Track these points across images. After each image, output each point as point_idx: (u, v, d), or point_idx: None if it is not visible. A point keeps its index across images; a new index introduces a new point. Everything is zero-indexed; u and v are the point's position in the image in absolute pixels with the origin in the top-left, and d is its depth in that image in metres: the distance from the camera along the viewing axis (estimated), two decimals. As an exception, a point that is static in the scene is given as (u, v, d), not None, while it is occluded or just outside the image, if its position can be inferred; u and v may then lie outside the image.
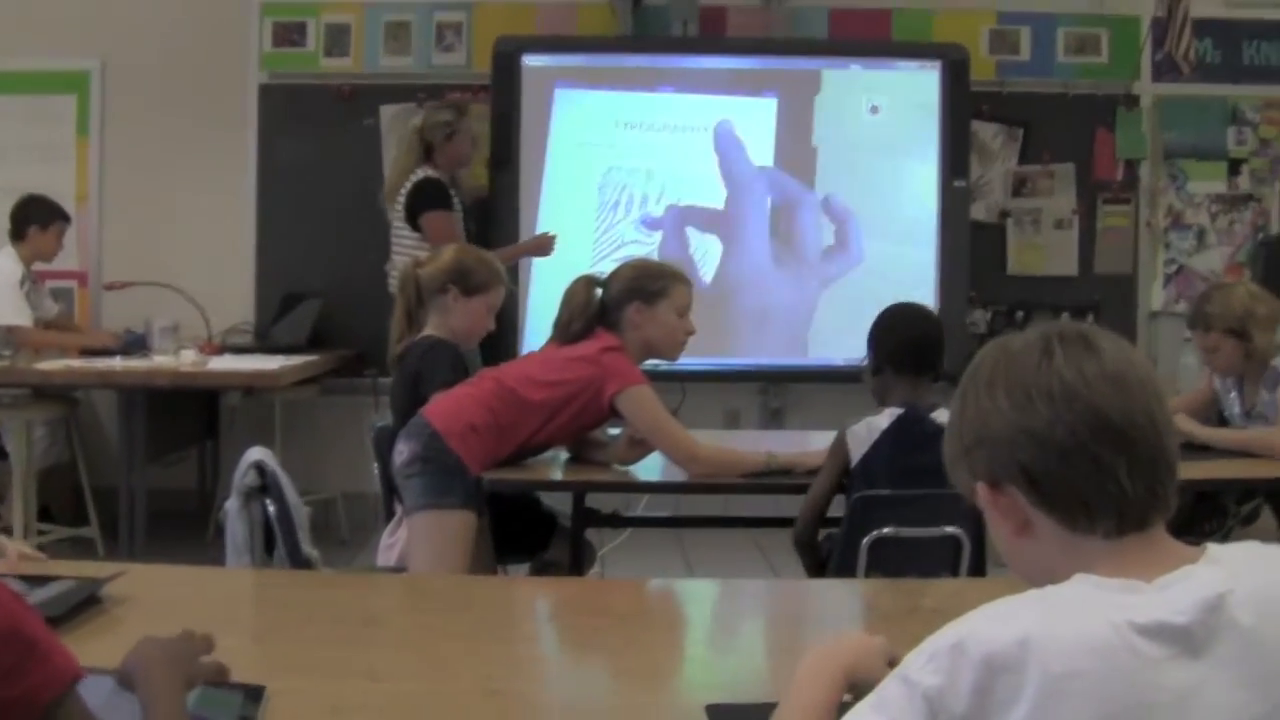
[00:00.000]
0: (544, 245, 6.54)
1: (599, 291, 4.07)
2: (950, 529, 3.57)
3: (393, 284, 6.11)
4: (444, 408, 3.88)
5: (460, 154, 6.55)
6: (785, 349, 7.19)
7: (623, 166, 7.11)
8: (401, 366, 4.19)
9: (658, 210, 7.08)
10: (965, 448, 1.50)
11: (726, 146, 7.11)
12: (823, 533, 3.82)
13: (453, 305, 4.17)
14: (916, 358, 3.76)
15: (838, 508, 3.74)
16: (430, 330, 4.18)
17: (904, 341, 3.79)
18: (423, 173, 6.35)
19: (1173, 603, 1.32)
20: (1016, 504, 1.45)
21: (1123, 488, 1.39)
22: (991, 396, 1.46)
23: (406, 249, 6.22)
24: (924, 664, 1.33)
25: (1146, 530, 1.41)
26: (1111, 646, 1.29)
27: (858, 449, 3.65)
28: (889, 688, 1.36)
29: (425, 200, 6.29)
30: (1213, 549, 1.41)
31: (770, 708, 1.87)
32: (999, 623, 1.32)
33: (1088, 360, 1.42)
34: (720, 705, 1.87)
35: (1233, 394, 4.70)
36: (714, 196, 7.10)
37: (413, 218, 6.28)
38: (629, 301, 4.00)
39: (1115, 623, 1.30)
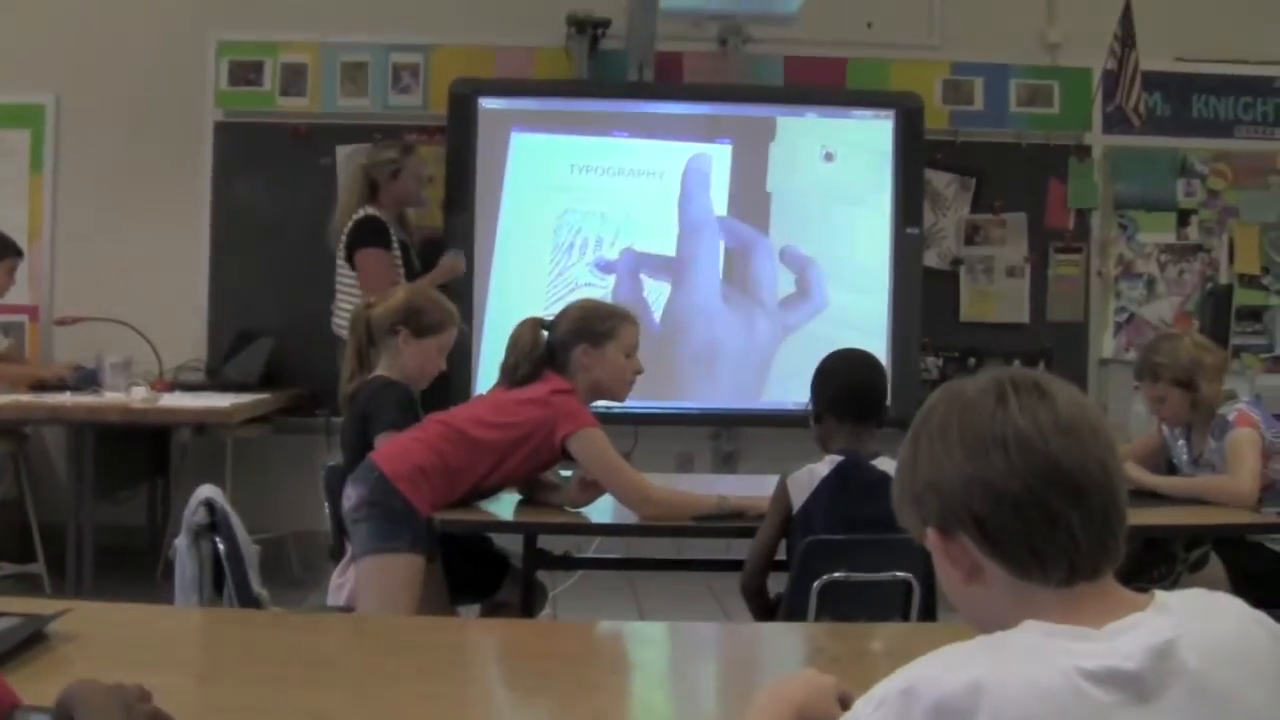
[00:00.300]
0: (455, 266, 6.49)
1: (545, 334, 4.07)
2: (900, 573, 3.57)
3: (336, 324, 6.16)
4: (391, 451, 3.87)
5: (405, 192, 6.56)
6: (738, 393, 7.20)
7: (577, 209, 7.12)
8: (351, 407, 4.17)
9: (612, 253, 7.09)
10: (915, 494, 1.49)
11: (694, 183, 7.13)
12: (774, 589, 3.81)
13: (403, 346, 4.15)
14: (858, 405, 3.75)
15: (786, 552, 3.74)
16: (381, 371, 4.17)
17: (843, 388, 3.78)
18: (364, 211, 6.36)
19: (1122, 649, 1.32)
20: (967, 551, 1.44)
21: (1075, 539, 1.39)
22: (945, 443, 1.45)
23: (346, 288, 6.27)
24: (874, 710, 1.33)
25: (1096, 579, 1.41)
26: (1061, 692, 1.28)
27: (799, 496, 3.64)
28: None
29: (361, 238, 6.30)
30: (1161, 596, 1.41)
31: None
32: (949, 668, 1.32)
33: (1042, 409, 1.42)
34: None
35: (1180, 442, 4.75)
36: (667, 239, 7.11)
37: (350, 256, 6.30)
38: (576, 343, 4.00)
39: (1065, 669, 1.30)
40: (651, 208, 7.15)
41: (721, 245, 7.14)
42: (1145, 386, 4.71)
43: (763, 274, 7.15)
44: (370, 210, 6.37)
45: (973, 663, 1.31)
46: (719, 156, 7.14)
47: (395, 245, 6.39)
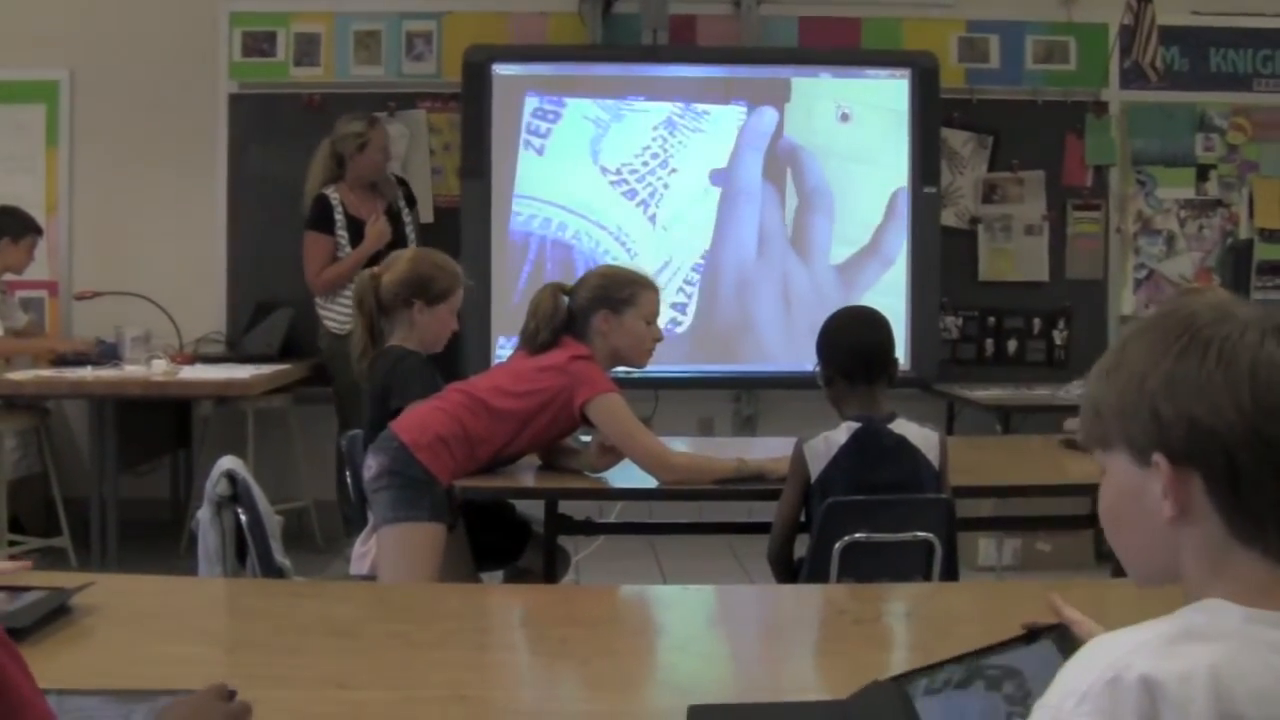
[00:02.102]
0: (381, 234, 6.61)
1: (566, 300, 4.07)
2: (921, 533, 3.58)
3: (325, 311, 6.54)
4: (411, 421, 3.88)
5: (371, 165, 6.71)
6: (760, 356, 7.20)
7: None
8: (370, 379, 4.17)
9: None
10: (1157, 413, 1.31)
11: (749, 139, 7.13)
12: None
13: (418, 317, 4.15)
14: (866, 367, 3.72)
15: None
16: (397, 341, 4.17)
17: (849, 351, 3.75)
18: (321, 191, 6.65)
19: None
20: (1189, 489, 1.30)
21: None
22: (1226, 378, 1.27)
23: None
24: (1077, 704, 1.21)
25: None
26: (1274, 690, 1.20)
27: (816, 465, 3.62)
28: None
29: (309, 219, 6.66)
30: None
31: (752, 708, 1.89)
32: (1160, 655, 1.21)
33: None
34: (702, 706, 1.87)
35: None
36: (683, 199, 7.10)
37: None
38: (596, 310, 4.01)
39: (1273, 665, 1.21)
40: (658, 176, 7.14)
41: (758, 206, 7.12)
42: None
43: (819, 233, 7.15)
44: (325, 190, 6.64)
45: (1182, 652, 1.21)
46: (733, 119, 7.11)
47: (341, 226, 6.61)
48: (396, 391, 4.03)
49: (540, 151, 7.05)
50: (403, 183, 7.00)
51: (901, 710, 1.72)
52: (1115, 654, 1.22)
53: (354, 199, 6.67)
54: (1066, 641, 1.62)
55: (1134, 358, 1.35)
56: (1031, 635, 1.68)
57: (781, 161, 7.12)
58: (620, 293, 4.03)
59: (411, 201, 6.97)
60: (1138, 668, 1.20)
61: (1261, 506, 1.27)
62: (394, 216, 6.72)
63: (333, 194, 6.64)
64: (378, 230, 6.57)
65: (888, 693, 1.77)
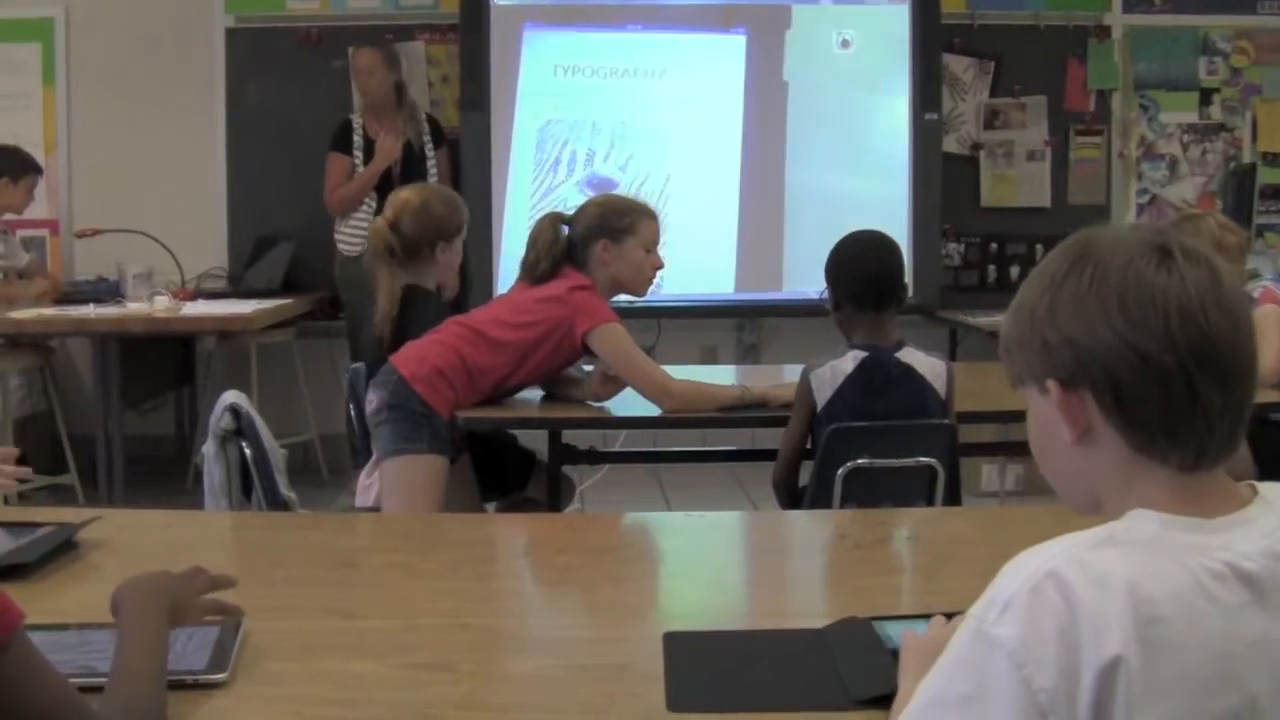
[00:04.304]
0: (387, 151, 6.69)
1: (565, 229, 4.06)
2: (924, 458, 3.59)
3: (339, 235, 6.64)
4: (410, 354, 3.89)
5: (361, 86, 6.86)
6: (762, 284, 7.19)
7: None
8: (396, 322, 4.12)
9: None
10: (1047, 340, 1.36)
11: (750, 67, 7.16)
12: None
13: (440, 257, 4.18)
14: (875, 293, 3.67)
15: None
16: (413, 280, 4.17)
17: (859, 277, 3.69)
18: (348, 116, 6.82)
19: (1240, 547, 1.27)
20: (1085, 410, 1.35)
21: (1211, 424, 1.30)
22: (1099, 298, 1.32)
23: None
24: (1001, 614, 1.23)
25: (1214, 469, 1.34)
26: (1192, 593, 1.23)
27: (822, 393, 3.62)
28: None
29: (331, 140, 6.78)
30: (1264, 490, 1.35)
31: (728, 635, 1.92)
32: (1080, 563, 1.23)
33: (1206, 281, 1.31)
34: (677, 633, 1.90)
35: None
36: (680, 130, 7.08)
37: None
38: (595, 239, 4.00)
39: (1190, 566, 1.24)
40: (657, 102, 7.13)
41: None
42: (1168, 266, 4.66)
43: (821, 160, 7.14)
44: (351, 115, 6.84)
45: (1099, 558, 1.24)
46: (734, 47, 7.08)
47: (358, 147, 6.73)
48: (414, 333, 4.00)
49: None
50: (433, 121, 6.98)
51: (870, 639, 1.80)
52: (1035, 563, 1.25)
53: (374, 124, 6.76)
54: None
55: (1028, 292, 1.41)
56: None
57: (783, 90, 7.09)
58: (619, 221, 4.02)
59: (439, 141, 6.94)
60: (1057, 575, 1.22)
61: (1149, 419, 1.31)
62: (409, 152, 6.74)
63: (356, 118, 6.80)
64: (386, 147, 6.64)
65: (859, 626, 1.85)
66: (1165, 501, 1.31)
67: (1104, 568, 1.23)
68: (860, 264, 3.74)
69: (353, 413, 4.35)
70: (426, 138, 6.83)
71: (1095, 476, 1.38)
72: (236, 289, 7.00)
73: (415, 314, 4.09)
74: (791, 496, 3.79)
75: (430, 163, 6.79)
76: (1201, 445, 1.31)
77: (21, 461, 2.57)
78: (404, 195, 4.31)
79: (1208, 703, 1.21)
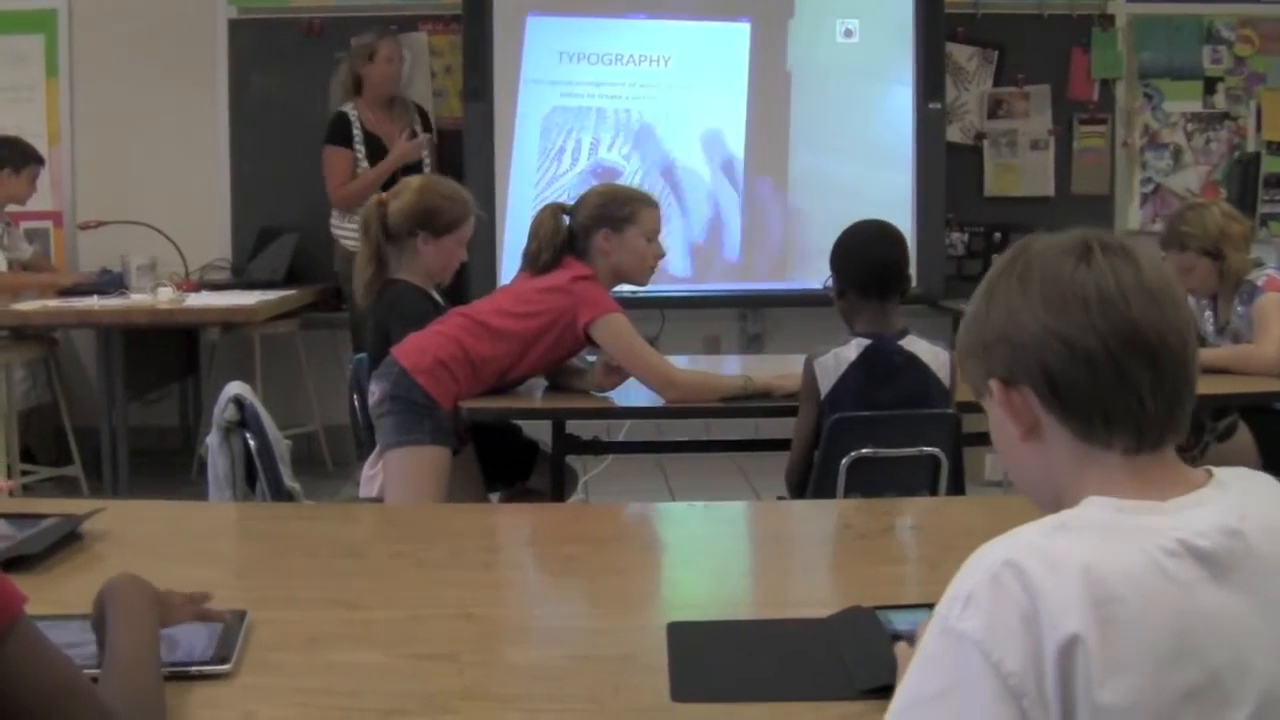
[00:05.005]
0: (409, 150, 6.68)
1: (566, 219, 4.05)
2: (928, 448, 3.59)
3: (334, 220, 6.61)
4: (412, 346, 3.88)
5: (382, 75, 6.78)
6: (766, 274, 7.19)
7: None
8: (374, 314, 4.14)
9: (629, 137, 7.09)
10: (985, 342, 1.44)
11: (753, 58, 7.14)
12: None
13: (423, 248, 4.11)
14: (879, 282, 3.67)
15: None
16: (403, 274, 4.14)
17: (864, 265, 3.69)
18: (340, 109, 6.72)
19: (1194, 525, 1.29)
20: (1029, 406, 1.40)
21: (1144, 404, 1.35)
22: (1024, 294, 1.40)
23: None
24: (963, 609, 1.25)
25: (1160, 450, 1.38)
26: (1146, 573, 1.25)
27: (826, 381, 3.61)
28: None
29: (327, 134, 6.71)
30: (1219, 473, 1.38)
31: (732, 624, 1.92)
32: (1036, 553, 1.26)
33: (1126, 270, 1.37)
34: (681, 623, 1.90)
35: (1207, 312, 4.73)
36: (683, 120, 7.08)
37: None
38: (597, 229, 3.99)
39: (1146, 548, 1.26)
40: (666, 90, 7.12)
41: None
42: (1172, 256, 4.66)
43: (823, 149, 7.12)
44: (344, 108, 6.71)
45: (1055, 544, 1.27)
46: (737, 36, 7.08)
47: (358, 140, 6.66)
48: (396, 330, 4.00)
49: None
50: (419, 108, 6.98)
51: (874, 629, 1.80)
52: (993, 555, 1.28)
53: (372, 116, 6.74)
54: None
55: (973, 301, 1.49)
56: None
57: (786, 79, 7.08)
58: (620, 211, 4.01)
59: (427, 126, 6.96)
60: (1014, 563, 1.25)
61: (1084, 404, 1.37)
62: (373, 142, 6.73)
63: (351, 110, 6.72)
64: (406, 150, 6.64)
65: (864, 616, 1.85)
66: (1117, 487, 1.35)
67: (1059, 552, 1.25)
68: (865, 252, 3.73)
69: (356, 404, 4.36)
70: (417, 126, 6.84)
71: (1052, 471, 1.42)
72: (240, 280, 6.99)
73: (396, 309, 4.06)
74: (801, 489, 3.78)
75: (425, 152, 6.80)
76: (1139, 425, 1.36)
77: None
78: (410, 180, 4.33)
79: (1168, 676, 1.23)
